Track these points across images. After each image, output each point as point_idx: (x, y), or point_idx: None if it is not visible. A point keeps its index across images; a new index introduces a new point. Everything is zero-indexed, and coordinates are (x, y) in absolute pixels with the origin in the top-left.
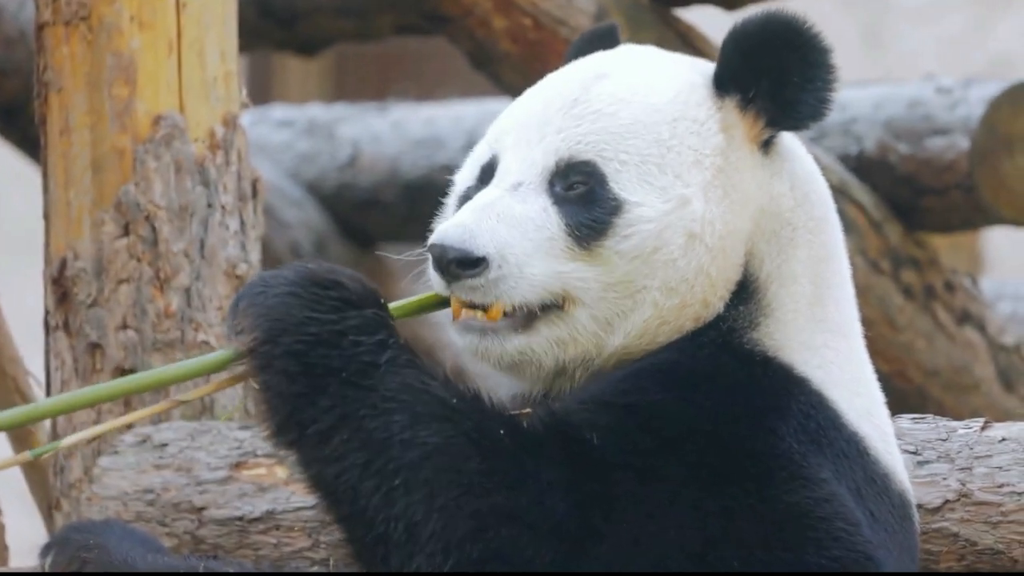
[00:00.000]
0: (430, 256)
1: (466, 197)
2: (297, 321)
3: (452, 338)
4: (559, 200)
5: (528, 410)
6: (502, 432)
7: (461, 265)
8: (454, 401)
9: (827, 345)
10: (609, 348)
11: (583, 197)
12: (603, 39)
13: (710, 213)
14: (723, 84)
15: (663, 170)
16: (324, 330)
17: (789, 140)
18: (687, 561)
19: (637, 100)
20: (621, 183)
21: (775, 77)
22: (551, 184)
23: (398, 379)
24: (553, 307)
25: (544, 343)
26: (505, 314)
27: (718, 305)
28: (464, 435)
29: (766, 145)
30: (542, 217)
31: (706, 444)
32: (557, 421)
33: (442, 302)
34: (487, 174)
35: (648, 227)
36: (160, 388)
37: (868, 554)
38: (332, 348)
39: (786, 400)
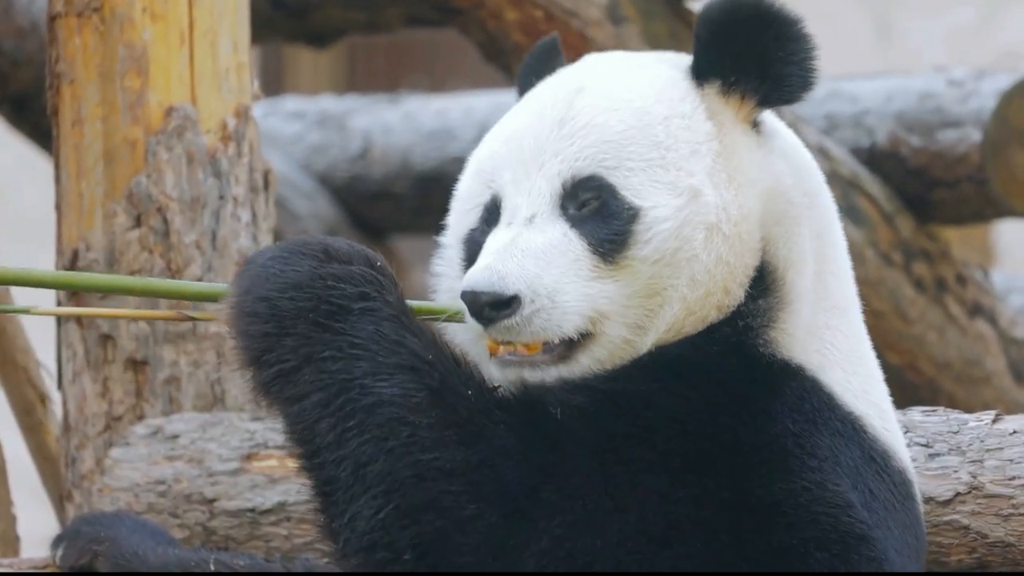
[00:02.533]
0: (464, 306)
1: (471, 240)
2: (274, 271)
3: (493, 373)
4: (575, 221)
5: (499, 385)
6: (468, 393)
7: (495, 308)
8: (429, 357)
9: (827, 325)
10: (643, 348)
11: (598, 212)
12: (551, 53)
13: (722, 199)
14: (701, 73)
15: (667, 168)
16: (300, 275)
17: (770, 118)
18: (647, 543)
19: (622, 106)
20: (632, 189)
21: (757, 57)
22: (564, 208)
23: (371, 328)
24: (588, 334)
25: (584, 368)
26: (544, 344)
27: (738, 293)
28: (426, 389)
29: (755, 126)
30: (564, 243)
31: (684, 433)
32: (526, 394)
33: (451, 317)
34: (492, 214)
35: (666, 227)
36: (149, 296)
37: (862, 535)
38: (303, 290)
39: (779, 383)
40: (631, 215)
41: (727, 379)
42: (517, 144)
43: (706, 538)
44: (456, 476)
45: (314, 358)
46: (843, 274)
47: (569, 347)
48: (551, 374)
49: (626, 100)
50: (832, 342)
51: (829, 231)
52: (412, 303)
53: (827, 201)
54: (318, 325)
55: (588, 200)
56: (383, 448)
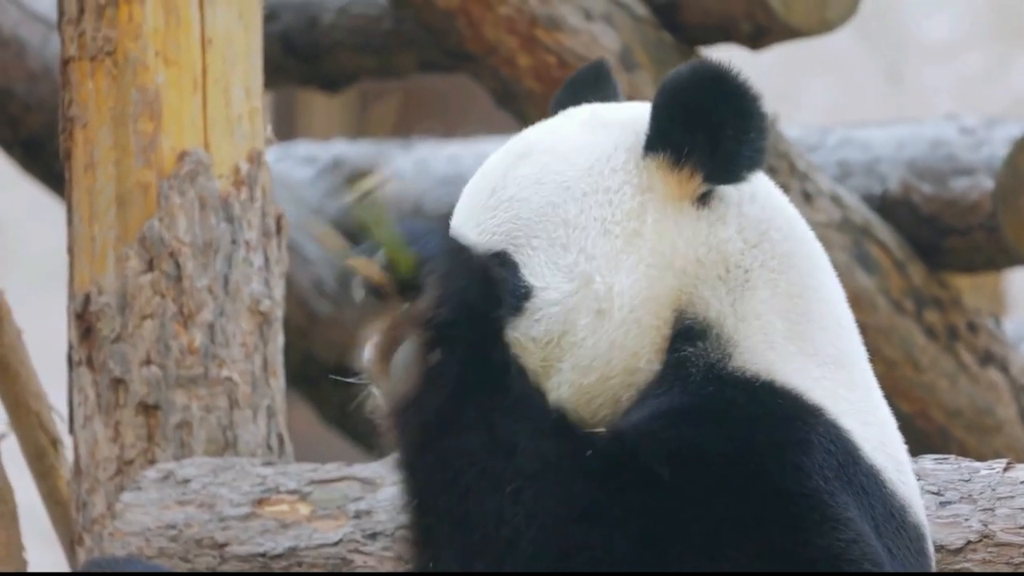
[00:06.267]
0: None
1: None
2: (479, 315)
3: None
4: None
5: (602, 429)
6: (589, 454)
7: None
8: (555, 417)
9: (826, 377)
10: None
11: None
12: (597, 79)
13: (619, 284)
14: (651, 143)
15: (568, 249)
16: (491, 329)
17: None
18: None
19: (550, 180)
20: (530, 268)
21: (709, 132)
22: None
23: (520, 389)
24: None
25: None
26: None
27: (654, 360)
28: (567, 456)
29: (704, 197)
30: None
31: (740, 482)
32: (623, 448)
33: None
34: None
35: (554, 310)
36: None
37: None
38: (493, 348)
39: (806, 433)
40: (524, 293)
41: (753, 419)
42: (460, 208)
43: None
44: (580, 553)
45: (487, 416)
46: (837, 333)
47: None
48: None
49: (556, 172)
50: (836, 392)
51: (809, 292)
52: None
53: (807, 264)
54: (497, 386)
55: None
56: (535, 523)
